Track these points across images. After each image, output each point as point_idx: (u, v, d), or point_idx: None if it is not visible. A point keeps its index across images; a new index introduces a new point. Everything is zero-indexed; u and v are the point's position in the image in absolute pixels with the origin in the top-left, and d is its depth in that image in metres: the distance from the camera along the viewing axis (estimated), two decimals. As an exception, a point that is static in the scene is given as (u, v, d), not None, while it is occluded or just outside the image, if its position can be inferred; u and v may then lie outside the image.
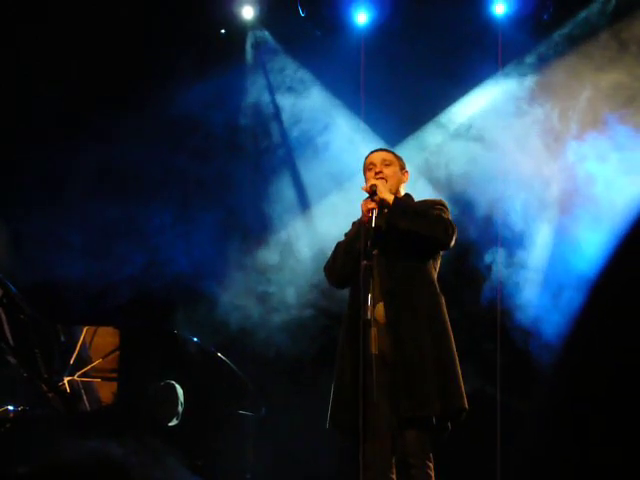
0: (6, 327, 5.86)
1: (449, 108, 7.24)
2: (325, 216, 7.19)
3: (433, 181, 7.00)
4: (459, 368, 4.14)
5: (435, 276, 4.30)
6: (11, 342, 5.83)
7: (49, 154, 7.17)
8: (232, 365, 6.83)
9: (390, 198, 4.16)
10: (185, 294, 7.32)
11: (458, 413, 4.09)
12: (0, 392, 6.20)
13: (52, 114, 7.24)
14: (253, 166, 7.52)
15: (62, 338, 6.31)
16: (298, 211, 7.47)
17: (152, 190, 7.36)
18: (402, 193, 4.42)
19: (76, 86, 7.22)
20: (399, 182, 4.40)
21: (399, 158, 4.49)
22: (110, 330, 6.58)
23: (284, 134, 7.49)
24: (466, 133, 7.15)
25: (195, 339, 6.79)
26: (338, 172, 7.19)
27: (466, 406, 4.10)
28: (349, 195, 6.95)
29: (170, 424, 6.13)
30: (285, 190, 7.45)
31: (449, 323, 4.20)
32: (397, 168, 4.41)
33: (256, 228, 7.46)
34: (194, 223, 7.36)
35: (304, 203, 7.47)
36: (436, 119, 7.24)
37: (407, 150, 7.11)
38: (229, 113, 7.41)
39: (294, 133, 7.45)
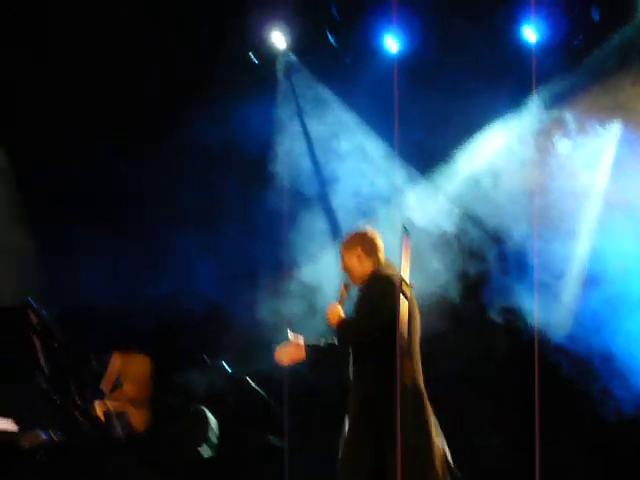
0: (40, 354, 5.88)
1: (479, 135, 7.25)
2: None
3: (463, 206, 7.00)
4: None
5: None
6: (45, 369, 5.85)
7: (75, 175, 7.21)
8: (262, 392, 6.85)
9: (334, 323, 4.90)
10: (211, 322, 7.30)
11: None
12: (33, 418, 6.23)
13: (81, 135, 7.29)
14: (280, 195, 7.45)
15: (94, 365, 6.33)
16: (327, 243, 7.40)
17: (179, 216, 7.38)
18: (369, 266, 5.02)
19: (106, 105, 7.26)
20: (361, 265, 5.03)
21: (351, 243, 5.07)
22: (140, 357, 6.61)
23: (314, 161, 7.48)
24: (494, 161, 7.16)
25: (225, 365, 6.81)
26: (366, 202, 7.19)
27: None
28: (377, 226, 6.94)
29: (203, 450, 6.16)
30: (314, 221, 7.41)
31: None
32: (354, 257, 5.04)
33: (279, 264, 7.42)
34: (221, 250, 7.33)
35: (333, 234, 7.43)
36: (466, 146, 7.25)
37: (438, 177, 7.15)
38: (257, 140, 7.37)
39: (323, 160, 7.45)
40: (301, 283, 7.09)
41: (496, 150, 7.19)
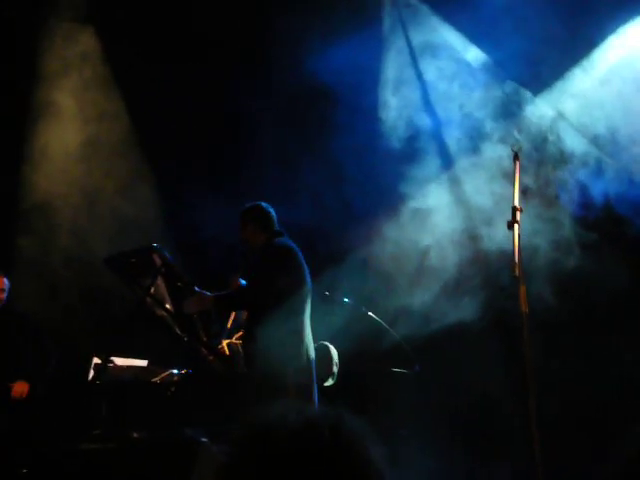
0: (166, 295, 6.06)
1: (598, 47, 6.85)
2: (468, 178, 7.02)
3: (582, 130, 6.70)
4: None
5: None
6: (171, 309, 6.03)
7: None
8: (384, 324, 6.85)
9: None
10: (331, 260, 7.32)
11: None
12: (164, 357, 6.47)
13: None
14: (392, 137, 7.25)
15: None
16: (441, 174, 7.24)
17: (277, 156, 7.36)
18: (263, 237, 5.60)
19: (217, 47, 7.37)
20: (256, 236, 5.62)
21: (246, 218, 5.67)
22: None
23: (427, 101, 7.24)
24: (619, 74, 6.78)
25: (346, 300, 6.83)
26: (476, 122, 6.97)
27: None
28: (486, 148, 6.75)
29: (326, 384, 6.23)
30: (425, 153, 7.25)
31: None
32: (248, 230, 5.65)
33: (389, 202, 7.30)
34: (340, 187, 7.29)
35: (446, 165, 7.26)
36: (583, 61, 6.89)
37: (554, 95, 6.84)
38: (364, 80, 7.21)
39: (437, 98, 7.20)
40: (416, 213, 7.01)
41: (612, 63, 6.79)
